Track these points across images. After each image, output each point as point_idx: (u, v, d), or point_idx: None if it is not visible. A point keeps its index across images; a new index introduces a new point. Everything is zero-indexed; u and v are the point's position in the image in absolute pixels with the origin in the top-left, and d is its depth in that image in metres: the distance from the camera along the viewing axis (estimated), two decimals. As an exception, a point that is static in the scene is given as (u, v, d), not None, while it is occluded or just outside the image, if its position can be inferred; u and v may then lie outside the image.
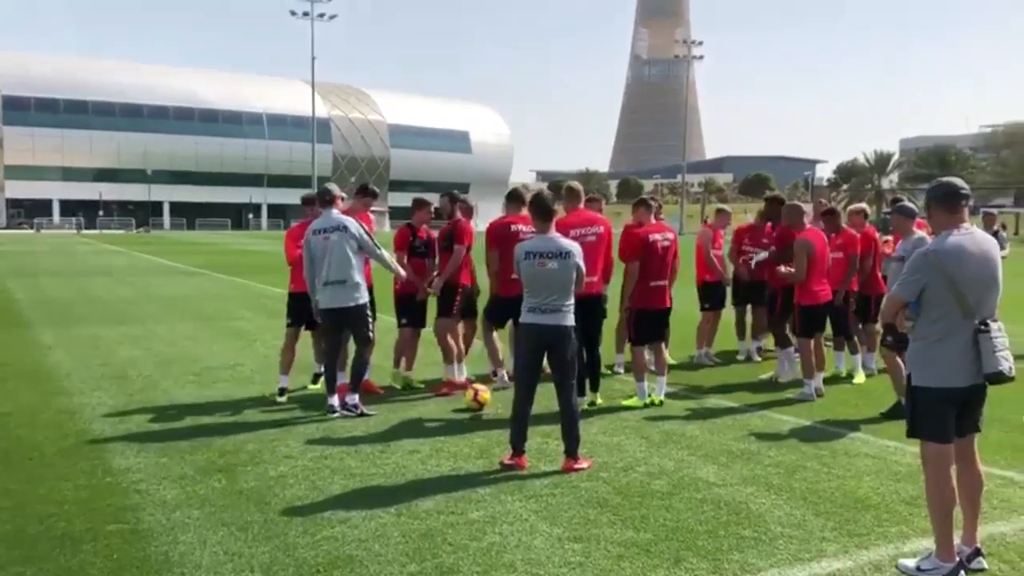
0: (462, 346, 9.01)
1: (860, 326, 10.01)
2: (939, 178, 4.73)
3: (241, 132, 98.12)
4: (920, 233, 8.02)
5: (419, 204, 9.06)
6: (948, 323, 4.39)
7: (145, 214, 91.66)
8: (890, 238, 9.90)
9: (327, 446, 6.77)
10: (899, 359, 8.05)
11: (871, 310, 9.75)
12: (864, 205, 10.89)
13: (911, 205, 8.38)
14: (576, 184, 8.43)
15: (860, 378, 9.78)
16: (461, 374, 8.83)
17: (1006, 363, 4.37)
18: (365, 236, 7.82)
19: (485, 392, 7.95)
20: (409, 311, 8.90)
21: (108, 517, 5.14)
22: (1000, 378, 4.38)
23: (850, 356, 10.05)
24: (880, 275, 9.70)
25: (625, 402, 8.34)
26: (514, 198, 8.60)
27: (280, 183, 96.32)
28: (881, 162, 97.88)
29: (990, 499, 5.59)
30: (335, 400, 7.82)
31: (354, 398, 7.78)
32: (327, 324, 7.96)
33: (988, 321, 4.38)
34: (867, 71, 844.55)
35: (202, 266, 30.22)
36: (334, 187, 8.14)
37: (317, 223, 7.88)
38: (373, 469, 6.18)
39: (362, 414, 7.71)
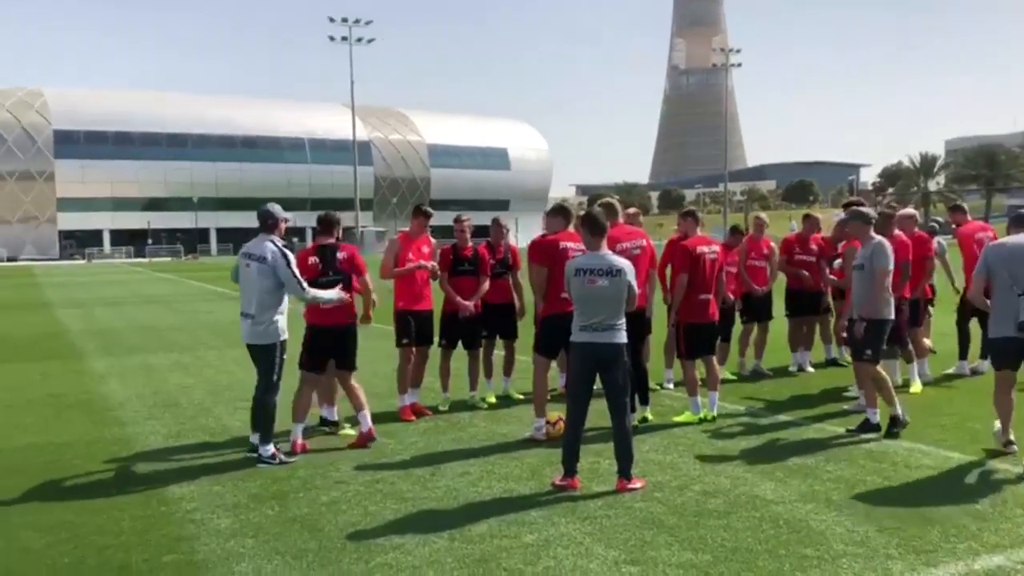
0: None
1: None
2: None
3: (283, 157, 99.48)
4: (878, 238, 7.73)
5: (456, 221, 9.12)
6: (999, 293, 6.74)
7: (193, 241, 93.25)
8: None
9: (378, 470, 6.75)
10: (879, 372, 7.71)
11: (920, 315, 10.00)
12: (913, 211, 10.70)
13: (868, 211, 8.13)
14: (614, 200, 8.33)
15: (917, 387, 9.54)
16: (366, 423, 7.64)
17: None
18: (287, 272, 6.94)
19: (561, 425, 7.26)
20: (448, 332, 8.99)
21: (164, 548, 5.17)
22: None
23: (906, 365, 9.81)
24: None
25: (677, 418, 8.21)
26: (559, 213, 7.97)
27: (323, 206, 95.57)
28: (927, 164, 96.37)
29: None
30: (256, 437, 7.17)
31: (267, 449, 7.01)
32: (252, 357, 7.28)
33: None
34: (909, 71, 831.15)
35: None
36: (276, 209, 7.22)
37: (246, 246, 7.26)
38: (425, 493, 6.14)
39: (281, 462, 6.98)
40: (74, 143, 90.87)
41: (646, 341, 8.45)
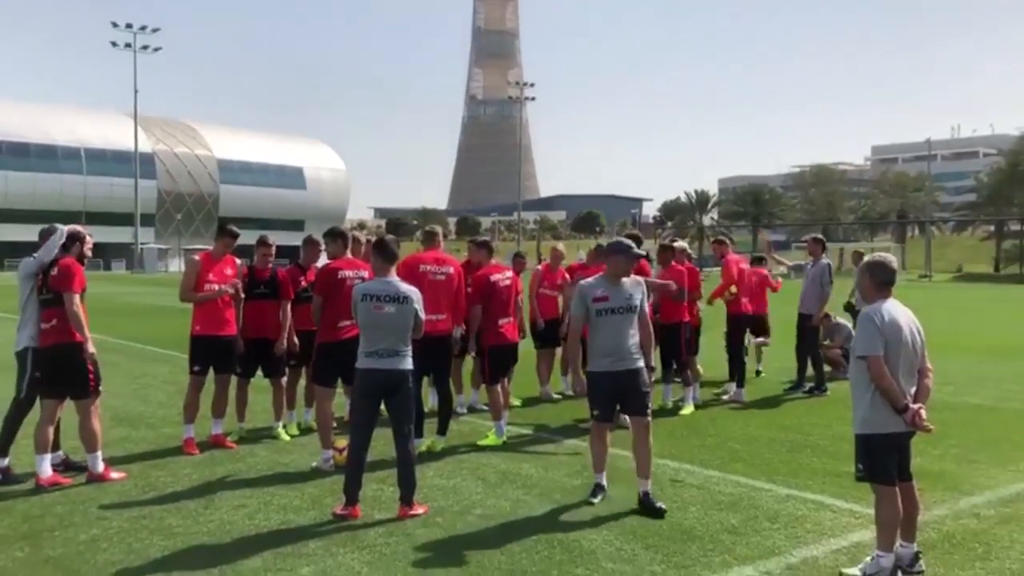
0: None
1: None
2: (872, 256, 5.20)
3: (56, 167, 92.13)
4: (639, 279, 6.87)
5: (258, 243, 8.73)
6: None
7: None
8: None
9: (145, 505, 6.35)
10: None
11: (694, 343, 10.80)
12: (685, 244, 11.52)
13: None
14: (436, 227, 8.59)
15: (688, 409, 10.17)
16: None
17: None
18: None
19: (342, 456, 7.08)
20: (248, 359, 8.51)
21: None
22: None
23: (680, 389, 10.44)
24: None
25: (482, 442, 8.33)
26: (336, 237, 7.67)
27: (100, 220, 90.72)
28: (702, 201, 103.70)
29: (803, 523, 5.92)
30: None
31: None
32: None
33: None
34: (684, 113, 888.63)
35: (9, 310, 27.99)
36: (58, 227, 7.06)
37: None
38: (196, 527, 5.85)
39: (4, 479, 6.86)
40: None
41: (455, 367, 8.61)
